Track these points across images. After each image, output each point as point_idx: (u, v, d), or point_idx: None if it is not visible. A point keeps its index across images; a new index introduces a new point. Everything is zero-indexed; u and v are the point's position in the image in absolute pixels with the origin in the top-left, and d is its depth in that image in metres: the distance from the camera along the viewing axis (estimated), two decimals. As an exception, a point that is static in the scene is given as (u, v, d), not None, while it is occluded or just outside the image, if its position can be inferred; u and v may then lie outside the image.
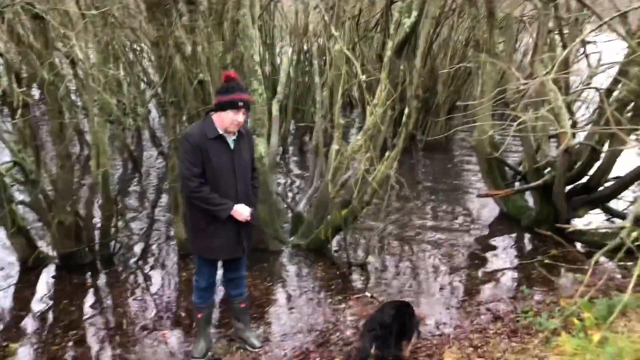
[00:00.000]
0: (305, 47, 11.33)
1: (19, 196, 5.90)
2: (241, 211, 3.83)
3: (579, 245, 6.41)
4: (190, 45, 5.33)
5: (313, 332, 4.52)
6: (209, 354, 4.19)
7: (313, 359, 4.10)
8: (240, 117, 3.74)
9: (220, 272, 4.20)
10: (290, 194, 8.49)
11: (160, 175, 9.33)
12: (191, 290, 4.86)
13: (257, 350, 4.23)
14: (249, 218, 3.87)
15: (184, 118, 5.50)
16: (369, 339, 3.78)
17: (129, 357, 4.24)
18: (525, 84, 4.49)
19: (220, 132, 3.77)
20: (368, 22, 12.47)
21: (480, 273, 5.83)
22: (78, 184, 7.32)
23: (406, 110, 5.43)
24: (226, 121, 3.73)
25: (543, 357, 3.93)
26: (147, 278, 5.65)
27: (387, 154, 5.63)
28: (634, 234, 2.90)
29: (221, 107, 3.72)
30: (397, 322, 3.92)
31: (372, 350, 3.74)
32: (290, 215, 7.04)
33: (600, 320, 4.30)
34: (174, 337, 4.51)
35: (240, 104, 3.70)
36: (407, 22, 5.55)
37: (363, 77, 4.92)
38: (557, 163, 6.27)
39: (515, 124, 3.72)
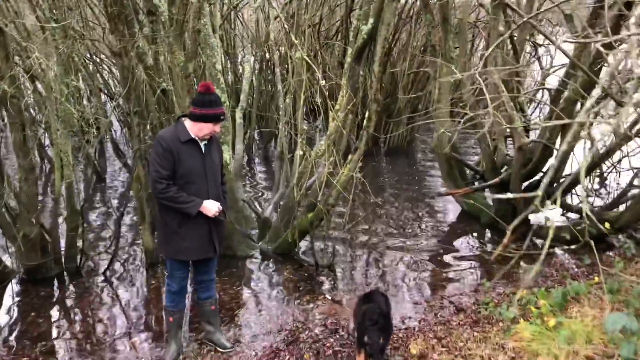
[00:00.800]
0: (267, 56, 11.46)
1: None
2: (210, 207, 3.93)
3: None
4: (153, 56, 5.38)
5: (283, 331, 4.61)
6: (180, 357, 4.24)
7: (283, 358, 4.20)
8: (218, 128, 3.95)
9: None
10: (256, 201, 8.56)
11: (124, 185, 9.29)
12: (159, 298, 4.94)
13: (227, 351, 4.31)
14: (217, 213, 3.96)
15: (148, 127, 5.55)
16: (376, 333, 3.79)
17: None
18: (473, 83, 4.73)
19: (193, 136, 3.91)
20: (329, 30, 12.68)
21: (443, 269, 6.03)
22: (41, 197, 7.25)
23: (367, 114, 5.61)
24: (204, 130, 3.89)
25: (503, 344, 4.12)
26: (115, 288, 5.65)
27: (349, 157, 5.79)
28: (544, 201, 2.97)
29: (201, 118, 3.85)
30: (390, 308, 4.08)
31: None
32: (256, 221, 7.12)
33: (556, 307, 4.53)
34: (144, 344, 4.54)
35: (222, 117, 3.91)
36: (365, 29, 5.73)
37: (323, 83, 5.07)
38: (513, 161, 6.54)
39: (464, 119, 3.92)
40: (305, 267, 6.02)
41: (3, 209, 5.30)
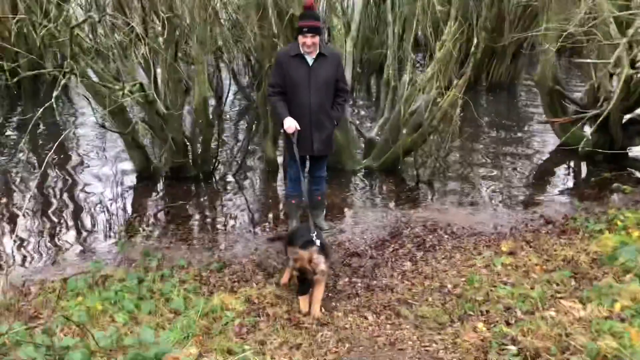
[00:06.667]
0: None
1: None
2: (287, 124, 4.57)
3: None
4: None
5: (387, 227, 5.36)
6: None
7: (388, 246, 4.95)
8: (307, 40, 4.50)
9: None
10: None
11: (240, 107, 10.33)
12: (278, 197, 5.97)
13: (326, 230, 5.15)
14: (292, 131, 4.57)
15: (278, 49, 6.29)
16: None
17: (236, 240, 5.25)
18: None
19: (301, 51, 4.58)
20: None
21: (537, 192, 6.49)
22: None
23: (474, 41, 6.02)
24: (300, 42, 4.57)
25: (586, 249, 4.60)
26: (241, 188, 6.59)
27: (454, 82, 6.27)
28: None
29: (297, 31, 4.59)
30: None
31: None
32: (362, 141, 7.83)
33: (641, 223, 4.91)
34: (266, 227, 5.53)
35: (305, 29, 4.50)
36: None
37: (439, 8, 5.52)
38: (614, 92, 6.70)
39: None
40: (407, 182, 6.69)
41: (156, 115, 6.30)
